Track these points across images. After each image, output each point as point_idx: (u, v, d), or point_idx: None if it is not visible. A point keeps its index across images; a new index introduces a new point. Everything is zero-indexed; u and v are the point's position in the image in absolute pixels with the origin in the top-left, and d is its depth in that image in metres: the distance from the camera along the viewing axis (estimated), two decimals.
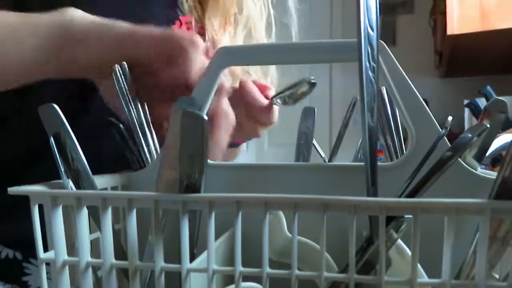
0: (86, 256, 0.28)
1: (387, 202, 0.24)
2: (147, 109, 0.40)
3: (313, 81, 0.43)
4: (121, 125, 0.41)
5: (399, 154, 0.41)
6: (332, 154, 0.46)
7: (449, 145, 0.33)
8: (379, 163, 0.30)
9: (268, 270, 0.25)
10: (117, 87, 0.39)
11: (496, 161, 0.67)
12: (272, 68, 0.67)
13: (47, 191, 0.29)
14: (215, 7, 0.62)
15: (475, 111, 1.42)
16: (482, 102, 1.39)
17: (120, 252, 0.31)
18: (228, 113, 0.44)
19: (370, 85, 0.28)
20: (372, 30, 0.28)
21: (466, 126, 1.86)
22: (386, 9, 2.54)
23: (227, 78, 0.47)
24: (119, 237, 0.37)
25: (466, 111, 1.81)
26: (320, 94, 2.58)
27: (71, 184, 0.31)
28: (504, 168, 0.23)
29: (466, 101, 1.63)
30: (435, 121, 0.35)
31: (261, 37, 0.66)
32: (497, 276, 0.27)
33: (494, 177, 0.24)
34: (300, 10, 0.70)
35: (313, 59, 0.38)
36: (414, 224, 0.24)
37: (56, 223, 0.28)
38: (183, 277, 0.27)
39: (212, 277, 0.26)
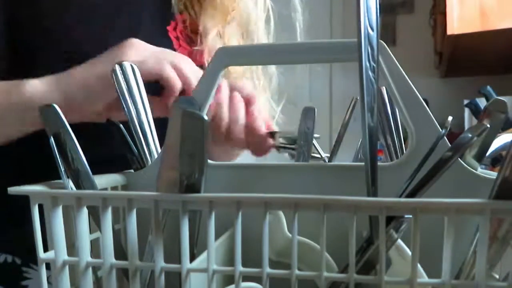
0: (86, 256, 0.28)
1: (387, 202, 0.24)
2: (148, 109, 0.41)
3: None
4: (121, 125, 0.41)
5: (399, 154, 0.41)
6: (332, 154, 0.46)
7: (449, 145, 0.33)
8: (379, 163, 0.30)
9: (268, 270, 0.25)
10: (116, 87, 0.39)
11: (496, 161, 0.67)
12: (272, 68, 0.67)
13: (47, 191, 0.29)
14: (212, 4, 0.61)
15: (475, 111, 1.42)
16: (482, 102, 1.39)
17: (120, 252, 0.31)
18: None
19: (370, 85, 0.28)
20: (372, 30, 0.28)
21: (466, 126, 1.86)
22: (386, 9, 2.53)
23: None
24: (119, 237, 0.37)
25: (466, 111, 1.81)
26: (320, 94, 2.58)
27: (71, 184, 0.31)
28: (504, 168, 0.23)
29: (466, 101, 1.63)
30: (435, 121, 0.35)
31: (259, 36, 0.65)
32: (497, 276, 0.27)
33: (494, 177, 0.24)
34: (302, 8, 0.69)
35: (313, 59, 0.38)
36: (414, 224, 0.24)
37: (56, 223, 0.28)
38: (183, 277, 0.27)
39: (212, 277, 0.26)
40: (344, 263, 0.29)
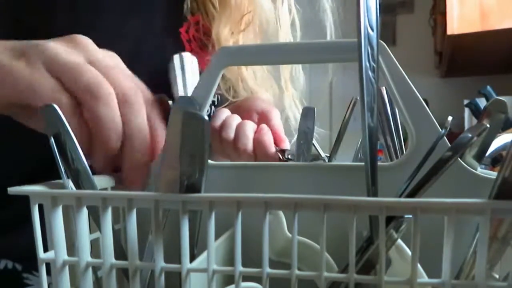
0: (86, 256, 0.28)
1: (387, 202, 0.24)
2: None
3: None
4: None
5: (399, 154, 0.41)
6: (332, 154, 0.46)
7: (449, 145, 0.33)
8: (379, 163, 0.30)
9: (268, 270, 0.25)
10: None
11: (496, 161, 0.67)
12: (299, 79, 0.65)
13: (47, 191, 0.29)
14: (227, 6, 0.59)
15: (475, 111, 1.42)
16: (482, 102, 1.39)
17: (120, 252, 0.31)
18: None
19: (370, 85, 0.28)
20: (372, 30, 0.28)
21: (466, 126, 1.86)
22: (386, 9, 2.54)
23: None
24: (119, 237, 0.37)
25: (466, 111, 1.81)
26: (320, 94, 2.58)
27: (71, 184, 0.31)
28: (504, 168, 0.23)
29: (466, 101, 1.63)
30: (435, 121, 0.35)
31: (276, 40, 0.62)
32: (497, 276, 0.27)
33: (494, 177, 0.24)
34: (299, 10, 0.68)
35: (313, 59, 0.38)
36: (414, 224, 0.24)
37: (56, 223, 0.28)
38: (183, 277, 0.27)
39: (212, 277, 0.26)
40: (344, 263, 0.28)
